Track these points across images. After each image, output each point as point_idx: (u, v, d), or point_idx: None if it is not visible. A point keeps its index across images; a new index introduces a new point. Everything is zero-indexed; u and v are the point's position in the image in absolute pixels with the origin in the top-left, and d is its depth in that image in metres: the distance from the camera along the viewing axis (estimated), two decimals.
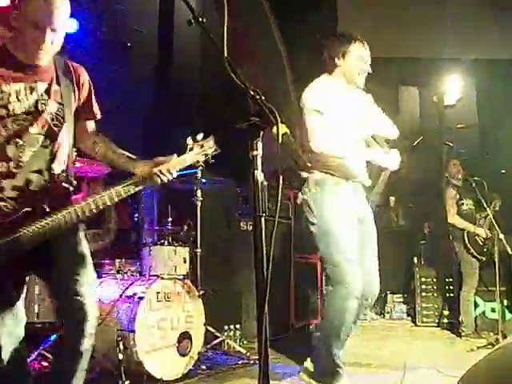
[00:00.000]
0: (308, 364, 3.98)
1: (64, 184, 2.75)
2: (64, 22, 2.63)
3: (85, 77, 2.87)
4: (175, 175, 2.87)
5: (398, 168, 4.02)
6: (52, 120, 2.66)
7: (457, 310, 7.23)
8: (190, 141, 2.98)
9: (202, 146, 2.97)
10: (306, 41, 8.37)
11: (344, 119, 3.78)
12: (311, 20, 8.91)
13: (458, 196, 6.89)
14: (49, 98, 2.65)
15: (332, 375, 3.75)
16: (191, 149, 2.95)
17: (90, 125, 2.98)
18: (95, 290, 2.74)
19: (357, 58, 3.92)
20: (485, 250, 6.60)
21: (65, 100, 2.70)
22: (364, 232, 3.87)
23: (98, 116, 2.96)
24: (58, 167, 2.73)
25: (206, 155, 3.01)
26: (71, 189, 2.79)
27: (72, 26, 6.70)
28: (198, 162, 2.99)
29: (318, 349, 3.84)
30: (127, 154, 2.88)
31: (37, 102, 2.61)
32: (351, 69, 3.92)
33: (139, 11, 7.89)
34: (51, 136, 2.68)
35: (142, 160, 2.83)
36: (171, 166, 2.80)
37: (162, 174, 2.78)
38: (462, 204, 6.87)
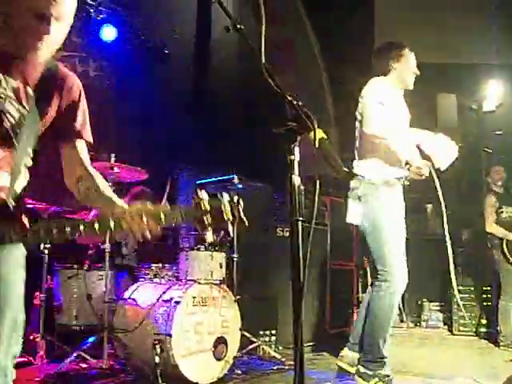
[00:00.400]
0: (344, 352, 4.35)
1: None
2: (70, 12, 2.19)
3: (73, 86, 2.34)
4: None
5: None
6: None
7: (495, 319, 7.12)
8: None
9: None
10: (343, 49, 8.37)
11: (398, 114, 4.25)
12: (348, 27, 8.91)
13: (497, 203, 6.77)
14: (15, 98, 2.15)
15: (379, 364, 4.09)
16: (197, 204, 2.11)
17: (81, 153, 2.39)
18: None
19: (409, 61, 4.41)
20: None
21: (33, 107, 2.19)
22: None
23: (87, 138, 2.41)
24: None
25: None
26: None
27: (111, 33, 6.83)
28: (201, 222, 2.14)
29: (367, 340, 4.17)
30: (115, 198, 2.23)
31: None
32: (405, 71, 4.38)
33: (177, 18, 7.99)
34: None
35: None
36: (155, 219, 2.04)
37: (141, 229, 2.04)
38: (502, 212, 6.75)
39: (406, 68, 4.38)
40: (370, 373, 4.09)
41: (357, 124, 4.41)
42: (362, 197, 4.22)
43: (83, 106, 2.39)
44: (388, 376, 4.10)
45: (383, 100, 4.13)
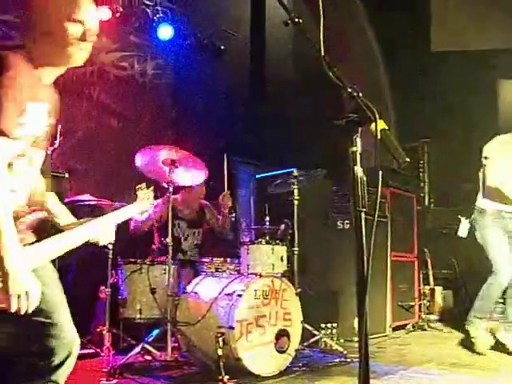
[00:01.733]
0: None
1: None
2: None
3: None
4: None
5: None
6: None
7: None
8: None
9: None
10: (400, 40, 8.25)
11: None
12: (404, 18, 8.77)
13: None
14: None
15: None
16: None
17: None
18: None
19: None
20: None
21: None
22: None
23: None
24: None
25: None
26: None
27: (168, 32, 6.92)
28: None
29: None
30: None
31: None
32: None
33: (232, 14, 8.04)
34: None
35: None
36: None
37: None
38: None
39: None
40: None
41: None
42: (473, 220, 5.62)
43: None
44: None
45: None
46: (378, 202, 1.96)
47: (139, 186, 3.08)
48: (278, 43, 8.31)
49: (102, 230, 2.59)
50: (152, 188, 3.09)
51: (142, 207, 3.02)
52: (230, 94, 7.22)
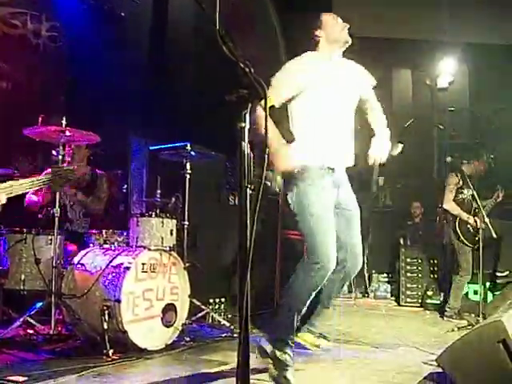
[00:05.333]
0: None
1: None
2: None
3: None
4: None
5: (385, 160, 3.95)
6: None
7: (442, 291, 7.34)
8: None
9: None
10: (299, 20, 8.31)
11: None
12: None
13: (460, 183, 6.78)
14: None
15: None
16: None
17: None
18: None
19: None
20: (476, 238, 6.48)
21: None
22: (347, 213, 3.88)
23: None
24: None
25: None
26: None
27: None
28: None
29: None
30: None
31: None
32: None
33: None
34: None
35: None
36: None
37: None
38: (462, 192, 6.80)
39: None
40: None
41: None
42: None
43: None
44: None
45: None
46: (263, 177, 1.93)
47: None
48: (181, 15, 8.17)
49: None
50: None
51: None
52: (127, 62, 7.02)
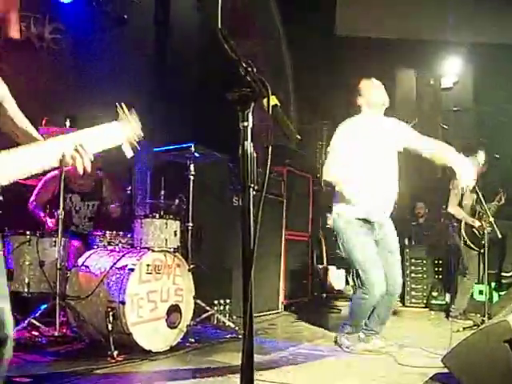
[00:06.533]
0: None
1: None
2: None
3: None
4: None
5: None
6: None
7: (447, 291, 7.31)
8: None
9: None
10: (303, 21, 8.33)
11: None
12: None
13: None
14: None
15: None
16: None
17: None
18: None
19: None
20: (483, 242, 6.42)
21: None
22: (389, 248, 4.71)
23: None
24: None
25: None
26: None
27: None
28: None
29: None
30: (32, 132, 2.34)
31: None
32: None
33: None
34: None
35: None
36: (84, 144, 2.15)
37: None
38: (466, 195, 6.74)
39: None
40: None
41: None
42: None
43: None
44: None
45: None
46: (268, 179, 1.95)
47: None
48: (183, 16, 8.17)
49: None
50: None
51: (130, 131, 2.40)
52: (129, 64, 7.01)
